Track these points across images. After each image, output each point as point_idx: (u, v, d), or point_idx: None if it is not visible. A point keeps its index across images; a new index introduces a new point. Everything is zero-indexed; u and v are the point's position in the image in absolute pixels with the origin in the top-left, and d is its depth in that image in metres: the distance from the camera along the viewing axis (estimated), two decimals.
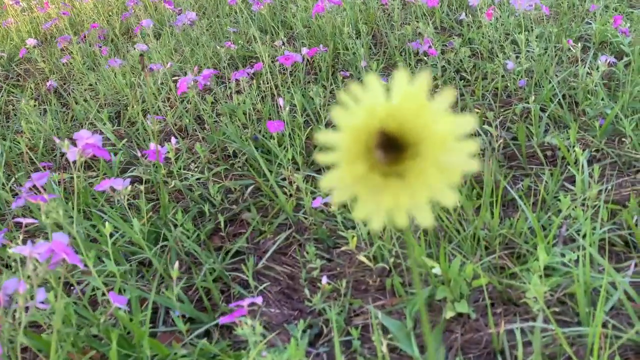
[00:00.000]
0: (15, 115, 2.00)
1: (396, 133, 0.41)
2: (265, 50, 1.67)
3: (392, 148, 0.41)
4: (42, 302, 1.00)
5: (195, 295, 1.21)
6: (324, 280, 1.11)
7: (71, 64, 2.29)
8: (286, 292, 1.21)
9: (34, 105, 1.81)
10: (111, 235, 1.32)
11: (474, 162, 0.42)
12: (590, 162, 1.37)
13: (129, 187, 1.21)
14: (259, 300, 0.95)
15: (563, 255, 1.14)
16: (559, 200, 1.23)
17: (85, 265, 1.19)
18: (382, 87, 0.42)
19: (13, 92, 2.25)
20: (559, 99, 1.59)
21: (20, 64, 2.61)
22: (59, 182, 1.41)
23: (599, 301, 0.99)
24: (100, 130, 1.66)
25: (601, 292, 0.96)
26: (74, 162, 1.10)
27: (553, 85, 1.61)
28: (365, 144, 0.41)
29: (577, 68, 1.64)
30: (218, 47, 1.93)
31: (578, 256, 1.08)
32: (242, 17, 2.30)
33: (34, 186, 1.12)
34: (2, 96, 2.17)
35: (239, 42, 2.13)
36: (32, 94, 2.18)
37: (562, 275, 1.11)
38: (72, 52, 2.28)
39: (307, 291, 1.16)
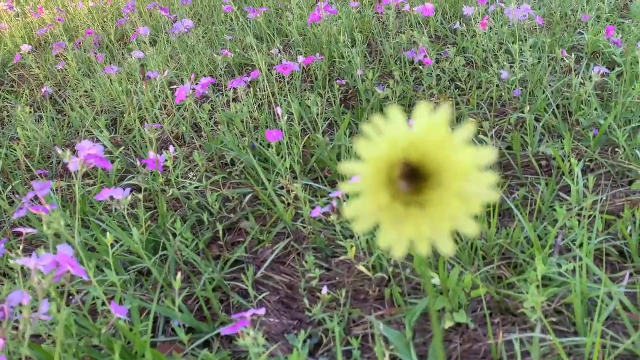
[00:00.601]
0: (10, 122, 1.99)
1: (418, 163, 0.42)
2: (261, 59, 1.67)
3: (414, 178, 0.42)
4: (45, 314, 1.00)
5: (194, 305, 1.21)
6: (324, 290, 1.12)
7: (66, 70, 2.28)
8: (285, 302, 1.22)
9: (30, 112, 1.80)
10: (111, 244, 1.32)
11: (494, 192, 0.43)
12: (584, 172, 1.40)
13: (130, 196, 1.22)
14: (261, 311, 0.96)
15: (559, 265, 1.16)
16: (555, 210, 1.24)
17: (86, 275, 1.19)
18: (404, 119, 0.43)
19: (7, 99, 2.23)
20: (553, 109, 1.61)
21: (14, 69, 2.59)
22: (56, 189, 1.41)
23: (595, 311, 1.00)
24: (98, 138, 1.65)
25: (598, 302, 0.98)
26: (75, 172, 1.10)
27: (547, 95, 1.64)
28: (387, 174, 0.42)
29: (570, 78, 1.67)
30: (215, 55, 1.93)
31: (574, 266, 1.09)
32: (237, 24, 2.31)
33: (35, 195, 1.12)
34: None
35: (236, 49, 2.14)
36: (27, 100, 2.16)
37: (558, 285, 1.12)
38: (67, 58, 2.27)
39: (306, 301, 1.17)
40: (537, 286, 1.06)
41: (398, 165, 0.42)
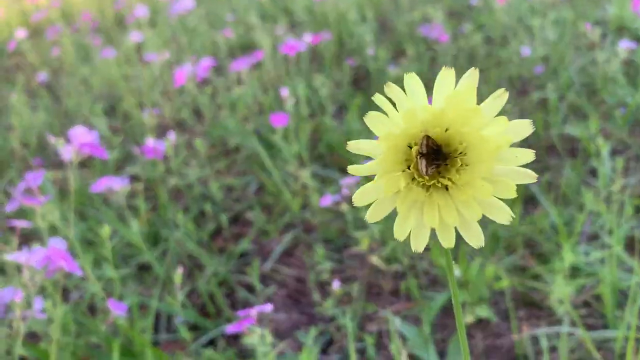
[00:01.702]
0: (6, 110, 1.93)
1: (440, 140, 0.35)
2: (266, 39, 1.59)
3: (436, 157, 0.35)
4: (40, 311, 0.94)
5: (198, 300, 1.15)
6: (335, 284, 1.05)
7: (63, 56, 2.21)
8: (294, 296, 1.15)
9: (26, 100, 1.74)
10: (109, 237, 1.26)
11: (531, 173, 0.35)
12: (612, 154, 1.31)
13: (128, 187, 1.15)
14: (267, 308, 0.89)
15: (588, 254, 1.08)
16: (581, 195, 1.16)
17: (83, 270, 1.12)
18: (423, 88, 0.35)
19: (3, 87, 2.17)
20: (577, 87, 1.52)
21: (10, 57, 2.53)
22: (54, 180, 1.35)
23: (627, 303, 0.93)
24: (95, 125, 1.59)
25: (630, 293, 0.90)
26: (70, 161, 1.04)
27: (570, 73, 1.54)
28: (404, 154, 0.35)
29: (595, 54, 1.57)
30: (216, 36, 1.85)
31: (604, 255, 1.02)
32: (239, 4, 2.23)
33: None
34: None
35: (239, 30, 2.06)
36: (24, 88, 2.10)
37: (587, 275, 1.05)
38: (63, 43, 2.20)
39: (316, 295, 1.10)
40: (564, 277, 0.99)
41: (417, 142, 0.34)
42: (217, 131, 1.53)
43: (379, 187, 0.34)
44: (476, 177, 0.34)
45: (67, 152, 1.02)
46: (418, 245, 0.35)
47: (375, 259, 1.13)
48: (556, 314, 1.00)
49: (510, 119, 1.20)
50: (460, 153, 0.35)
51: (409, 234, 0.36)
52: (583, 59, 1.63)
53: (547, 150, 1.38)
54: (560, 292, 0.96)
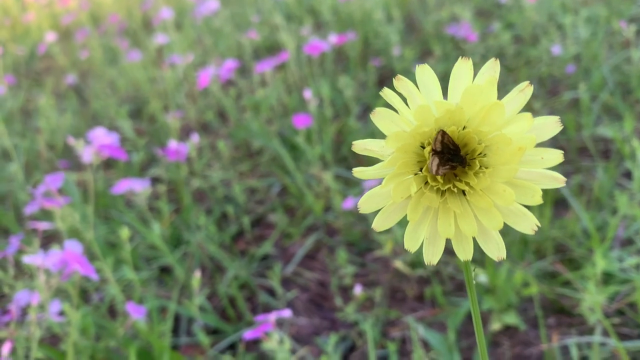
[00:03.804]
0: (35, 113, 1.95)
1: (457, 140, 0.32)
2: (291, 39, 1.57)
3: (452, 159, 0.32)
4: (59, 313, 0.94)
5: (219, 304, 1.13)
6: (357, 289, 1.02)
7: (92, 58, 2.23)
8: (316, 301, 1.13)
9: (54, 103, 1.75)
10: (131, 239, 1.25)
11: (559, 176, 0.32)
12: None
13: (150, 189, 1.14)
14: (286, 313, 0.87)
15: (621, 260, 1.03)
16: (615, 198, 1.12)
17: (98, 272, 1.12)
18: (437, 82, 0.32)
19: (34, 89, 2.20)
20: (611, 87, 1.46)
21: (41, 60, 2.56)
22: (77, 182, 1.35)
23: None
24: (120, 128, 1.59)
25: None
26: (90, 163, 1.04)
27: (603, 72, 1.49)
28: (417, 155, 0.32)
29: (629, 53, 1.52)
30: (241, 38, 1.84)
31: (638, 261, 0.97)
32: (265, 5, 2.21)
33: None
34: (23, 94, 2.12)
35: (264, 31, 2.04)
36: (53, 90, 2.12)
37: (620, 282, 1.00)
38: (92, 46, 2.22)
39: (338, 300, 1.07)
40: (596, 283, 0.95)
41: (431, 142, 0.31)
42: (240, 133, 1.52)
43: (387, 191, 0.31)
44: (497, 181, 0.31)
45: (87, 154, 1.02)
46: (432, 257, 0.32)
47: (399, 264, 1.10)
48: (588, 323, 0.95)
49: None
50: (480, 154, 0.32)
51: (422, 244, 0.33)
52: (617, 57, 1.57)
53: (578, 152, 1.33)
54: (592, 299, 0.92)
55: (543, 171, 0.32)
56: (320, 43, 1.52)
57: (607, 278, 1.01)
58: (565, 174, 1.28)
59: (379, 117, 0.32)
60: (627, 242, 1.08)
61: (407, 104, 0.32)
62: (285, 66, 1.75)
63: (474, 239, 0.32)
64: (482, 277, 1.02)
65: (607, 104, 1.43)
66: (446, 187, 0.32)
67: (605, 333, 0.91)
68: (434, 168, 0.31)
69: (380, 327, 1.03)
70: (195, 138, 1.31)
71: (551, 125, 0.31)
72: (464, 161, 0.32)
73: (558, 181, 0.32)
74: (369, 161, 1.36)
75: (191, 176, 1.42)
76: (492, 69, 0.32)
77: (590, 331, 0.94)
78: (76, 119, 1.82)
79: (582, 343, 0.92)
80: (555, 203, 1.20)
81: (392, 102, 0.32)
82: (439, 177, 0.32)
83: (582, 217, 1.10)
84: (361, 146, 0.33)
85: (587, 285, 0.94)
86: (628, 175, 1.23)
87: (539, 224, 0.31)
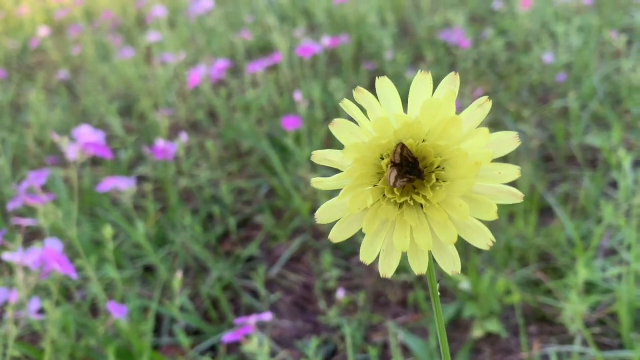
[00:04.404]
0: (26, 108, 1.94)
1: (416, 153, 0.32)
2: (283, 41, 1.57)
3: (410, 171, 0.32)
4: (40, 312, 0.94)
5: (202, 304, 1.13)
6: (340, 293, 1.02)
7: (84, 54, 2.22)
8: (300, 304, 1.12)
9: (45, 98, 1.74)
10: (116, 237, 1.25)
11: (516, 192, 0.32)
12: (634, 166, 1.26)
13: (135, 187, 1.14)
14: (267, 316, 0.87)
15: (604, 270, 1.04)
16: (601, 207, 1.12)
17: (80, 271, 1.11)
18: (397, 94, 0.32)
19: (25, 84, 2.19)
20: (601, 97, 1.46)
21: (33, 54, 2.56)
22: (65, 179, 1.34)
23: None
24: (110, 125, 1.59)
25: None
26: (75, 161, 1.03)
27: (594, 81, 1.49)
28: (376, 167, 0.32)
29: (620, 63, 1.52)
30: (234, 38, 1.84)
31: (621, 271, 0.97)
32: (260, 6, 2.21)
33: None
34: (13, 88, 2.12)
35: (257, 32, 2.04)
36: (44, 86, 2.12)
37: (602, 292, 1.00)
38: (84, 42, 2.21)
39: (322, 303, 1.07)
40: (579, 293, 0.95)
41: (389, 154, 0.31)
42: (230, 133, 1.52)
43: (344, 203, 0.31)
44: (454, 195, 0.31)
45: (72, 152, 1.01)
46: (387, 270, 0.32)
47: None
48: (569, 332, 0.96)
49: (530, 128, 1.15)
50: (438, 168, 0.32)
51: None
52: (607, 67, 1.57)
53: (567, 161, 1.33)
54: (573, 309, 0.92)
55: (501, 186, 0.32)
56: (312, 45, 1.52)
57: (590, 288, 1.01)
58: (553, 183, 1.28)
59: (338, 128, 0.32)
60: (610, 252, 1.08)
61: (367, 116, 0.32)
62: (278, 67, 1.75)
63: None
64: (465, 284, 1.02)
65: (597, 114, 1.44)
66: (403, 200, 0.32)
67: (586, 343, 0.92)
68: (392, 180, 0.30)
69: (363, 331, 1.03)
70: (184, 137, 1.31)
71: (509, 140, 0.31)
72: (422, 174, 0.32)
73: (516, 197, 0.32)
74: None
75: (179, 175, 1.42)
76: (452, 83, 0.31)
77: (570, 340, 0.94)
78: (66, 115, 1.81)
79: (563, 352, 0.92)
80: (542, 211, 1.20)
81: (352, 114, 0.32)
82: (396, 190, 0.32)
83: (567, 226, 1.10)
84: (321, 156, 0.33)
85: (569, 294, 0.95)
86: (615, 185, 1.23)
87: (494, 240, 0.31)
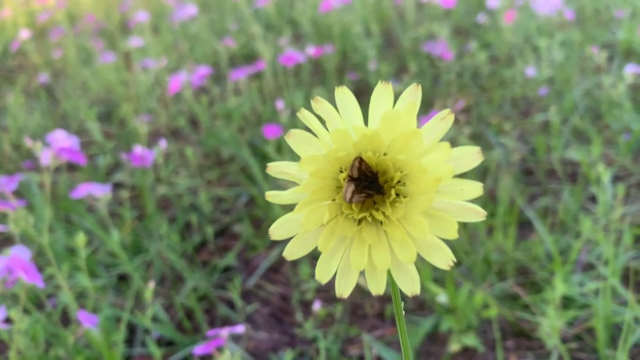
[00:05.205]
0: (4, 111, 1.91)
1: (376, 166, 0.31)
2: (268, 49, 1.56)
3: (369, 186, 0.31)
4: (6, 320, 0.91)
5: (177, 315, 1.11)
6: (316, 305, 1.01)
7: (65, 58, 2.19)
8: (277, 315, 1.11)
9: (24, 101, 1.72)
10: (91, 245, 1.23)
11: (479, 210, 0.31)
12: (613, 181, 1.26)
13: (110, 194, 1.12)
14: (240, 328, 0.85)
15: (582, 284, 1.03)
16: (579, 222, 1.12)
17: (51, 279, 1.09)
18: (357, 105, 0.31)
19: (5, 87, 2.16)
20: (582, 111, 1.47)
21: (14, 57, 2.53)
22: (40, 184, 1.32)
23: (620, 338, 0.88)
24: (89, 130, 1.57)
25: (624, 328, 0.86)
26: (48, 166, 1.01)
27: (575, 96, 1.50)
28: (334, 180, 0.31)
29: (601, 78, 1.53)
30: (218, 45, 1.83)
31: (598, 286, 0.97)
32: (245, 14, 2.20)
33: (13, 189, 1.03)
34: None
35: (241, 39, 2.03)
36: (24, 89, 2.09)
37: (580, 307, 1.00)
38: (66, 45, 2.19)
39: (299, 314, 1.06)
40: (556, 307, 0.94)
41: (348, 167, 0.30)
42: (211, 141, 1.50)
43: (299, 218, 0.30)
44: (413, 211, 0.30)
45: (46, 157, 0.99)
46: (344, 289, 0.31)
47: (361, 280, 1.09)
48: (546, 347, 0.95)
49: (511, 141, 1.15)
50: (398, 182, 0.31)
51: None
52: (588, 82, 1.58)
53: (547, 174, 1.33)
54: (550, 323, 0.91)
55: (464, 203, 0.31)
56: (295, 54, 1.51)
57: (567, 302, 1.01)
58: (533, 196, 1.28)
59: (295, 139, 0.31)
60: (588, 267, 1.08)
61: (326, 127, 0.31)
62: (261, 75, 1.74)
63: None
64: (442, 297, 1.01)
65: (577, 128, 1.44)
66: (361, 215, 0.30)
67: (563, 358, 0.91)
68: (348, 196, 0.29)
69: (339, 344, 1.01)
70: (163, 144, 1.29)
71: (471, 156, 0.30)
72: (382, 189, 0.31)
73: (478, 215, 0.31)
74: None
75: (157, 183, 1.40)
76: (414, 94, 0.31)
77: (547, 355, 0.94)
78: (45, 119, 1.79)
79: None
80: (521, 224, 1.20)
81: (310, 125, 0.30)
82: (354, 206, 0.31)
83: (546, 240, 1.09)
84: (277, 169, 0.32)
85: (546, 309, 0.94)
86: (594, 199, 1.23)
87: (455, 259, 0.30)
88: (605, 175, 1.10)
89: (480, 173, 1.29)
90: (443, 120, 0.31)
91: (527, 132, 1.47)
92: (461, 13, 2.17)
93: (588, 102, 1.52)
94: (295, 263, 1.20)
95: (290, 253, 0.31)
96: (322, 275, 0.31)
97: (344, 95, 0.31)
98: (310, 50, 1.65)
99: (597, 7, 2.03)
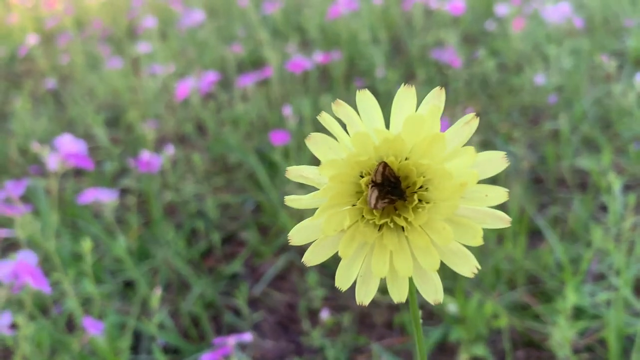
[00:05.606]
0: (11, 116, 1.91)
1: (398, 171, 0.30)
2: (275, 55, 1.56)
3: (391, 191, 0.30)
4: (12, 326, 0.91)
5: (184, 322, 1.10)
6: (324, 314, 1.00)
7: (73, 63, 2.20)
8: (284, 323, 1.10)
9: (31, 107, 1.72)
10: (97, 250, 1.22)
11: (504, 216, 0.30)
12: (624, 190, 1.25)
13: (117, 200, 1.11)
14: (247, 337, 0.84)
15: (593, 294, 1.02)
16: (590, 231, 1.10)
17: (58, 284, 1.08)
18: (379, 109, 0.30)
19: (12, 92, 2.16)
20: (591, 119, 1.46)
21: (22, 62, 2.53)
22: (47, 189, 1.32)
23: (633, 349, 0.87)
24: (96, 136, 1.56)
25: (636, 339, 0.84)
26: (55, 171, 1.01)
27: (584, 104, 1.49)
28: (354, 185, 0.30)
29: (611, 86, 1.52)
30: (225, 51, 1.83)
31: (610, 297, 0.95)
32: (253, 20, 2.20)
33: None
34: (0, 96, 2.09)
35: (249, 46, 2.03)
36: (31, 94, 2.09)
37: (591, 317, 0.98)
38: (74, 51, 2.19)
39: (306, 323, 1.05)
40: (567, 318, 0.93)
41: (370, 172, 0.29)
42: (218, 147, 1.49)
43: (320, 223, 0.29)
44: (437, 218, 0.29)
45: (53, 162, 0.99)
46: (364, 297, 0.30)
47: None
48: (557, 358, 0.93)
49: (520, 149, 1.13)
50: (421, 188, 0.30)
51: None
52: (598, 90, 1.57)
53: (556, 183, 1.32)
54: (561, 334, 0.90)
55: (488, 209, 0.30)
56: (303, 61, 1.50)
57: (578, 312, 1.00)
58: (543, 205, 1.27)
59: (315, 142, 0.30)
60: (599, 277, 1.07)
61: (347, 131, 0.30)
62: (269, 82, 1.74)
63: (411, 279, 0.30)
64: (452, 306, 1.00)
65: (587, 136, 1.43)
66: (383, 221, 0.30)
67: None
68: (373, 201, 0.28)
69: (347, 353, 1.00)
70: (170, 150, 1.29)
71: (497, 161, 0.29)
72: (404, 195, 0.30)
73: (503, 221, 0.30)
74: None
75: (164, 189, 1.40)
76: (437, 97, 0.30)
77: None
78: (52, 124, 1.79)
79: None
80: (531, 233, 1.19)
81: (331, 128, 0.30)
82: (375, 211, 0.30)
83: (556, 250, 1.08)
84: (296, 173, 0.31)
85: (557, 319, 0.93)
86: (604, 208, 1.22)
87: (479, 267, 0.29)
88: (616, 184, 1.08)
89: (488, 181, 1.28)
90: (467, 124, 0.30)
91: (537, 140, 1.46)
92: (470, 20, 2.17)
93: (598, 111, 1.51)
94: (302, 270, 1.18)
95: (309, 259, 0.30)
96: (343, 282, 0.30)
97: (366, 98, 0.30)
98: (318, 56, 1.65)
99: (607, 16, 2.02)
